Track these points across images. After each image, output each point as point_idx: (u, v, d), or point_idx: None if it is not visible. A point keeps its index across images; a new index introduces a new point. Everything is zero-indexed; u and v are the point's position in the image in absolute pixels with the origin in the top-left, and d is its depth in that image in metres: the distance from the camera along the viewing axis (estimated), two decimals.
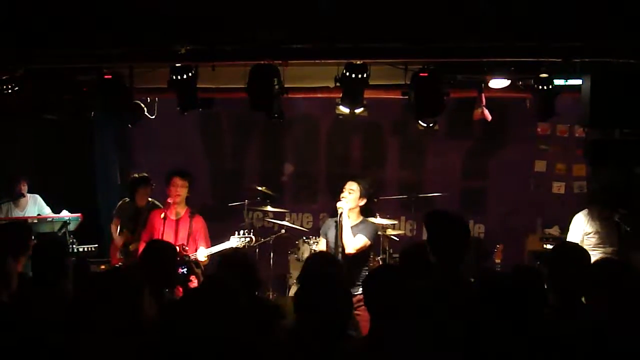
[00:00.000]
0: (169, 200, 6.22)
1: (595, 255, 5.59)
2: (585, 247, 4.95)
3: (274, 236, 7.95)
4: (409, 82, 5.71)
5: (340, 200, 5.78)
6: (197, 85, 5.90)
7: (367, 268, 5.81)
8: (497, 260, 6.86)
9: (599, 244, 6.28)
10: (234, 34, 5.44)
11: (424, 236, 4.15)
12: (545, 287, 3.54)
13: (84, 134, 8.39)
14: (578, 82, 5.67)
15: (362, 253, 5.78)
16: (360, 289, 3.74)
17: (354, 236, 5.71)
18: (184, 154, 8.81)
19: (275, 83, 5.68)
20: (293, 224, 8.41)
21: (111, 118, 7.65)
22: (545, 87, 5.75)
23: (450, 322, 3.13)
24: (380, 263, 7.09)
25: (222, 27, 5.40)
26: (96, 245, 7.14)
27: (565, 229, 6.62)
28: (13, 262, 3.88)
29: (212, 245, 6.24)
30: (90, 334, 3.02)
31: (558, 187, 8.66)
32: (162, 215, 6.11)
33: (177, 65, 5.73)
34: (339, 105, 6.13)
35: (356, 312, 4.43)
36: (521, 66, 5.73)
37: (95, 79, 5.96)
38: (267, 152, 9.24)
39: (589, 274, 3.47)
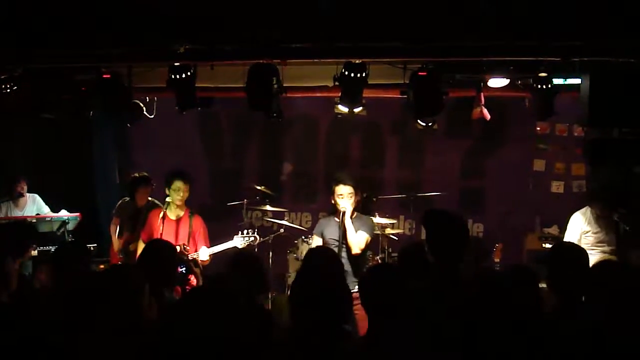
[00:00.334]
0: (168, 200, 6.20)
1: (593, 255, 5.60)
2: (583, 246, 4.97)
3: (272, 235, 7.95)
4: (407, 82, 5.70)
5: (336, 202, 5.71)
6: (196, 85, 5.89)
7: (366, 265, 5.82)
8: (496, 260, 6.85)
9: (597, 243, 6.27)
10: (233, 33, 5.44)
11: (423, 235, 4.15)
12: (545, 286, 3.55)
13: (83, 133, 8.39)
14: (577, 81, 5.66)
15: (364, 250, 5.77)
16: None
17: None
18: (182, 154, 8.81)
19: (274, 82, 5.68)
20: (292, 223, 8.42)
21: (110, 117, 7.66)
22: (544, 87, 5.75)
23: (448, 321, 3.13)
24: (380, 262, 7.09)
25: (221, 26, 5.39)
26: (95, 245, 7.14)
27: (564, 228, 6.62)
28: (12, 262, 3.89)
29: (211, 245, 6.23)
30: (90, 333, 3.02)
31: (557, 186, 8.66)
32: (161, 215, 6.09)
33: (176, 64, 5.72)
34: (337, 104, 6.13)
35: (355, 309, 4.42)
36: (520, 65, 5.72)
37: (94, 78, 5.95)
38: (266, 151, 9.24)
39: (588, 274, 3.47)
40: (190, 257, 6.01)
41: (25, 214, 7.26)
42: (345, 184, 5.65)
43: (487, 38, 5.29)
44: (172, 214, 6.22)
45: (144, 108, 6.89)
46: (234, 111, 8.65)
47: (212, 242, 6.26)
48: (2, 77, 5.92)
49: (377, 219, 7.20)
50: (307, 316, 3.01)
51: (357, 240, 5.62)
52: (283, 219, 8.41)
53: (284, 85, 5.82)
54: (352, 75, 5.54)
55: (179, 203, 6.17)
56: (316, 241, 5.90)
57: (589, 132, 6.13)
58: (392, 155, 9.00)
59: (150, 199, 7.14)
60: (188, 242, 6.11)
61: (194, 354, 2.59)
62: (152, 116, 6.98)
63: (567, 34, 5.16)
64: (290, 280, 7.45)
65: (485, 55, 5.55)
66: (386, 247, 7.46)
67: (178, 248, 5.80)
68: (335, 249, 5.57)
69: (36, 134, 7.92)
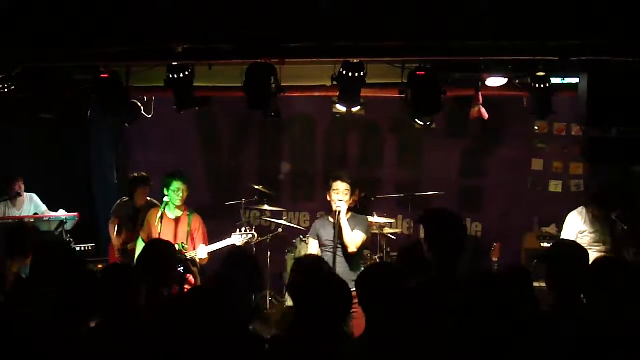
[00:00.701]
0: (166, 199, 6.18)
1: (590, 254, 5.59)
2: None
3: (271, 235, 7.96)
4: (406, 81, 5.70)
5: (333, 201, 5.69)
6: (194, 84, 5.89)
7: (363, 264, 5.81)
8: (494, 259, 6.85)
9: (593, 243, 6.28)
10: (231, 32, 5.43)
11: (421, 235, 4.15)
12: (544, 285, 3.55)
13: (81, 133, 8.39)
14: (575, 80, 5.67)
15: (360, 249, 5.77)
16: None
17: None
18: (180, 153, 8.81)
19: (272, 81, 5.67)
20: (290, 222, 8.42)
21: (108, 117, 7.64)
22: (542, 86, 5.75)
23: (447, 321, 3.13)
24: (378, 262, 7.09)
25: (219, 25, 5.38)
26: (93, 245, 7.15)
27: (562, 228, 6.62)
28: (8, 262, 3.88)
29: (210, 244, 6.23)
30: (89, 333, 3.02)
31: (555, 186, 8.65)
32: (160, 215, 6.08)
33: (174, 64, 5.72)
34: (336, 104, 6.13)
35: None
36: (518, 64, 5.72)
37: (91, 78, 5.95)
38: (264, 150, 9.23)
39: (588, 273, 3.47)
40: (188, 256, 6.00)
41: (22, 214, 7.26)
42: (342, 180, 5.63)
43: (485, 37, 5.29)
44: (170, 213, 6.21)
45: (142, 107, 6.87)
46: (232, 110, 8.64)
47: (210, 241, 6.26)
48: (0, 76, 5.91)
49: (376, 219, 7.20)
50: (307, 317, 3.01)
51: (353, 238, 5.61)
52: (281, 219, 8.41)
53: (282, 84, 5.81)
54: (350, 74, 5.54)
55: (178, 204, 6.16)
56: (312, 243, 5.87)
57: (587, 131, 6.11)
58: (391, 155, 9.00)
59: (148, 198, 7.14)
60: (187, 241, 6.10)
61: (192, 352, 2.59)
62: (150, 116, 6.97)
63: (564, 33, 5.16)
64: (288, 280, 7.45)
65: (483, 54, 5.55)
66: (384, 247, 7.46)
67: (177, 247, 5.79)
68: (332, 249, 5.57)
69: (34, 134, 7.91)
